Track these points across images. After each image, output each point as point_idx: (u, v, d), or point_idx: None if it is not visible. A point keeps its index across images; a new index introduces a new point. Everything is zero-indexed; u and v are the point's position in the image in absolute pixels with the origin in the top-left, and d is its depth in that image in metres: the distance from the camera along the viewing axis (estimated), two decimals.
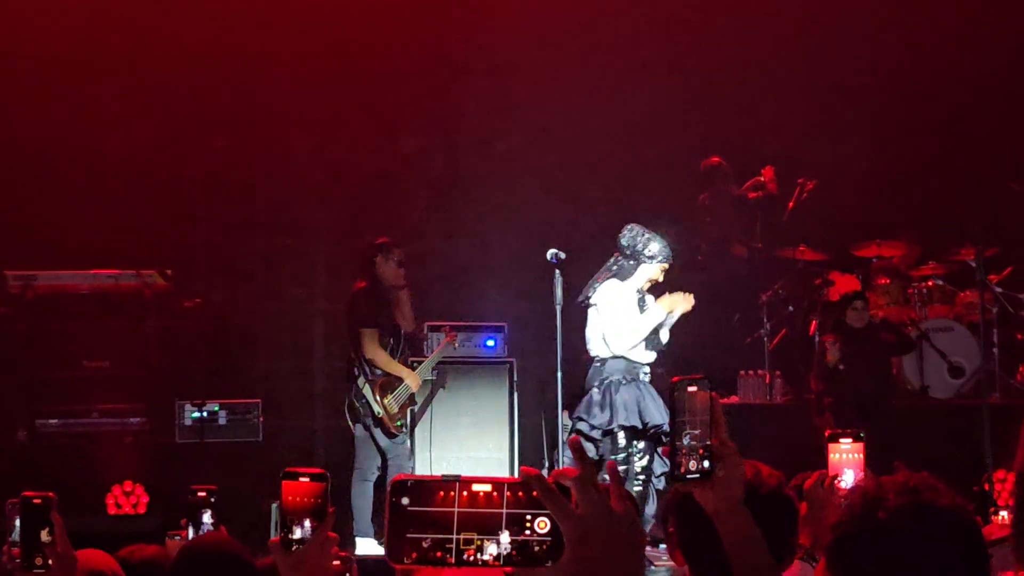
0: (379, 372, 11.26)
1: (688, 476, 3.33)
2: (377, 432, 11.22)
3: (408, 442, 11.55)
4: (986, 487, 10.63)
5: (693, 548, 4.21)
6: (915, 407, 13.17)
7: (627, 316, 10.46)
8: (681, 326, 13.99)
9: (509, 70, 14.68)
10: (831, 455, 4.70)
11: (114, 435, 12.57)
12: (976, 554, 3.13)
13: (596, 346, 10.57)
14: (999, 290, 13.88)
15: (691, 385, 3.30)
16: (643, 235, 10.41)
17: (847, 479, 4.64)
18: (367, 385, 11.19)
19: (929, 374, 13.42)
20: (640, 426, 10.22)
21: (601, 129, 14.58)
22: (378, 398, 11.16)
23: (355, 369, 11.29)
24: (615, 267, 10.50)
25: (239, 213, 14.23)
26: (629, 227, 10.45)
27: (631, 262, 10.46)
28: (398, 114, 14.81)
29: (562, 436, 10.82)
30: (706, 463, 3.33)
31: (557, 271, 10.12)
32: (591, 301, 10.54)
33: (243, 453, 12.40)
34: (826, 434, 4.84)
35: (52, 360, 12.76)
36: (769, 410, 13.25)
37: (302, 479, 3.69)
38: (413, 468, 11.53)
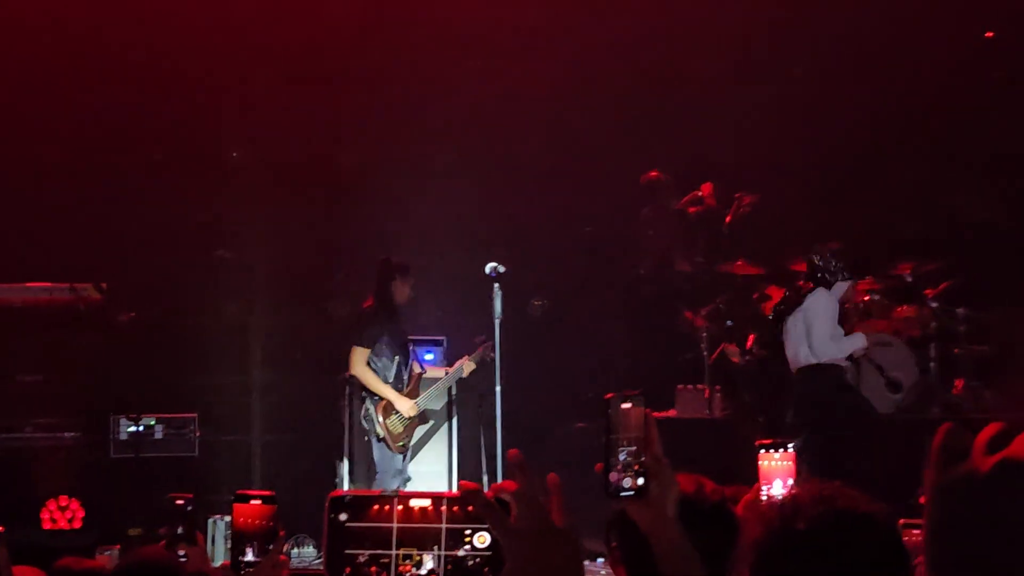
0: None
1: (622, 493, 3.30)
2: (373, 446, 11.29)
3: (402, 463, 11.50)
4: (923, 500, 10.62)
5: (634, 564, 4.17)
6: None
7: (833, 324, 11.19)
8: (621, 340, 14.06)
9: (446, 85, 14.66)
10: (761, 463, 4.70)
11: (48, 449, 12.43)
12: (897, 558, 3.11)
13: (804, 354, 11.15)
14: (935, 305, 13.94)
15: (625, 401, 3.27)
16: (834, 256, 10.64)
17: (776, 488, 4.64)
18: (372, 406, 11.26)
19: (867, 389, 13.44)
20: None
21: (540, 144, 14.56)
22: (380, 419, 11.22)
23: (362, 389, 11.36)
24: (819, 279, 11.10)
25: (175, 225, 14.09)
26: (820, 248, 10.60)
27: (830, 278, 11.10)
28: (336, 129, 14.73)
29: (501, 450, 10.80)
30: (640, 480, 3.30)
31: (496, 285, 10.08)
32: (801, 308, 11.13)
33: (179, 468, 12.29)
34: (756, 444, 4.85)
35: None
36: (708, 424, 13.25)
37: (253, 502, 3.64)
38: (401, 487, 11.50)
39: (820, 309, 11.28)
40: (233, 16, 14.29)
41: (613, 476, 3.26)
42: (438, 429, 12.38)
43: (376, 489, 11.14)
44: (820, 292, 11.33)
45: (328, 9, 14.52)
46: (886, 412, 13.37)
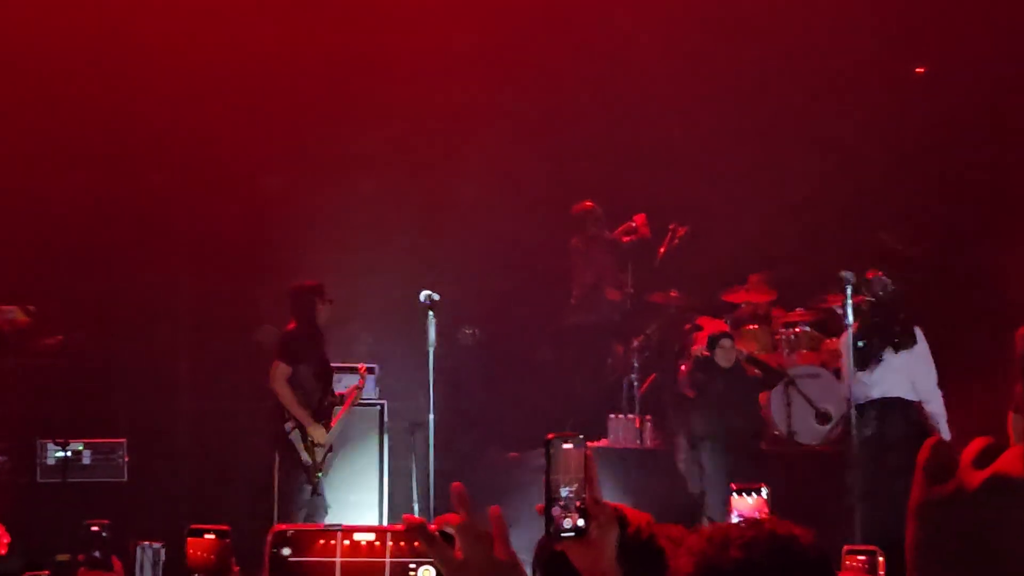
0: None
1: (562, 533, 3.32)
2: (285, 477, 11.18)
3: (311, 495, 11.38)
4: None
5: None
6: (782, 452, 13.27)
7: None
8: (553, 368, 14.06)
9: (376, 110, 14.65)
10: (734, 504, 4.71)
11: None
12: None
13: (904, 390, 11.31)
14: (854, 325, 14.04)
15: (566, 442, 3.29)
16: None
17: None
18: (296, 431, 11.14)
19: (796, 420, 13.53)
20: None
21: (473, 171, 14.57)
22: (308, 445, 11.13)
23: (285, 414, 11.23)
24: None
25: (102, 249, 13.98)
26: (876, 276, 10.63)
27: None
28: (260, 152, 14.66)
29: (433, 479, 10.76)
30: (580, 521, 3.31)
31: (430, 313, 10.03)
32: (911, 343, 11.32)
33: (108, 493, 12.16)
34: (732, 487, 4.85)
35: None
36: (640, 454, 13.29)
37: (207, 536, 3.62)
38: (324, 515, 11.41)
39: (927, 350, 11.55)
40: (157, 41, 14.21)
41: (555, 515, 3.28)
42: (367, 458, 12.33)
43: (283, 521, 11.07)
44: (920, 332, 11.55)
45: (257, 32, 14.46)
46: (815, 443, 13.47)
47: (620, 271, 14.59)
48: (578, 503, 3.31)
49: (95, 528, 5.37)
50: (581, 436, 3.29)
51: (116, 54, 14.08)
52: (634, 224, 14.60)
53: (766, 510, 4.34)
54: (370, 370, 12.77)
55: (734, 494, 4.33)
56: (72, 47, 14.09)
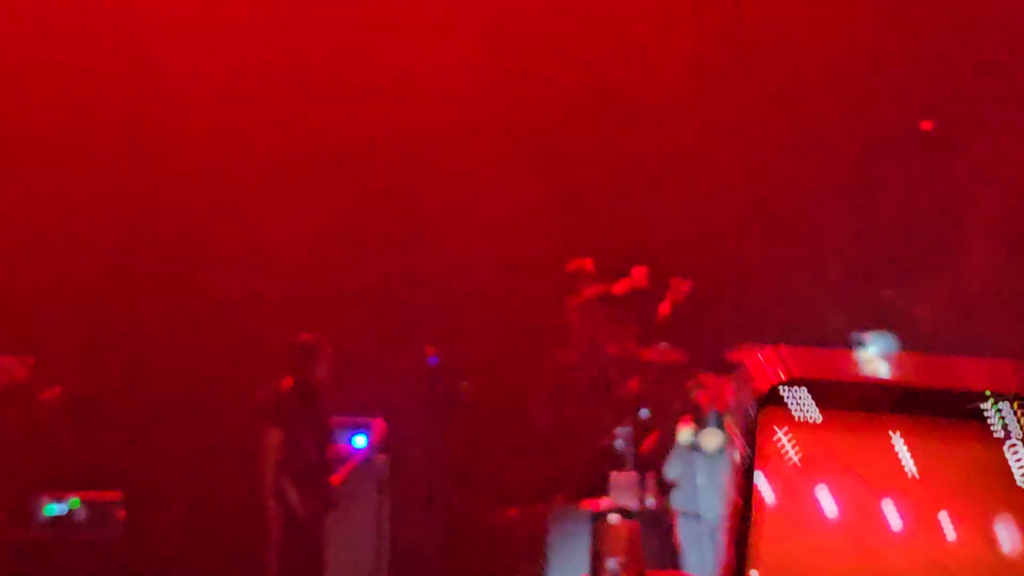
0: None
1: None
2: (286, 534, 11.08)
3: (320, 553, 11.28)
4: None
5: None
6: None
7: None
8: (553, 425, 13.98)
9: (381, 167, 14.67)
10: None
11: None
12: None
13: None
14: None
15: (612, 516, 3.21)
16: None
17: None
18: (293, 488, 11.04)
19: None
20: None
21: (475, 226, 14.56)
22: (302, 502, 11.04)
23: (282, 470, 11.11)
24: None
25: (100, 302, 13.95)
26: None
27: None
28: (265, 196, 14.64)
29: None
30: None
31: (433, 373, 9.95)
32: None
33: (102, 548, 12.08)
34: None
35: None
36: (641, 514, 13.17)
37: None
38: None
39: None
40: (181, 77, 14.26)
41: None
42: (365, 514, 12.26)
43: None
44: None
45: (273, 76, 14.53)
46: None
47: (619, 327, 14.49)
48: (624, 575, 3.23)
49: None
50: (627, 511, 3.21)
51: (143, 107, 14.11)
52: (634, 278, 14.53)
53: None
54: (368, 425, 12.68)
55: None
56: (101, 96, 14.17)
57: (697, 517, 12.00)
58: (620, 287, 14.56)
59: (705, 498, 12.04)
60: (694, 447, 12.30)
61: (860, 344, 10.76)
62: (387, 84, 14.73)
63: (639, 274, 14.59)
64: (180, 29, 14.35)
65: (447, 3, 15.00)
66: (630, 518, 2.69)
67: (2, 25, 14.11)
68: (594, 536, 2.62)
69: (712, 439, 12.41)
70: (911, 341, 12.00)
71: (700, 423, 12.55)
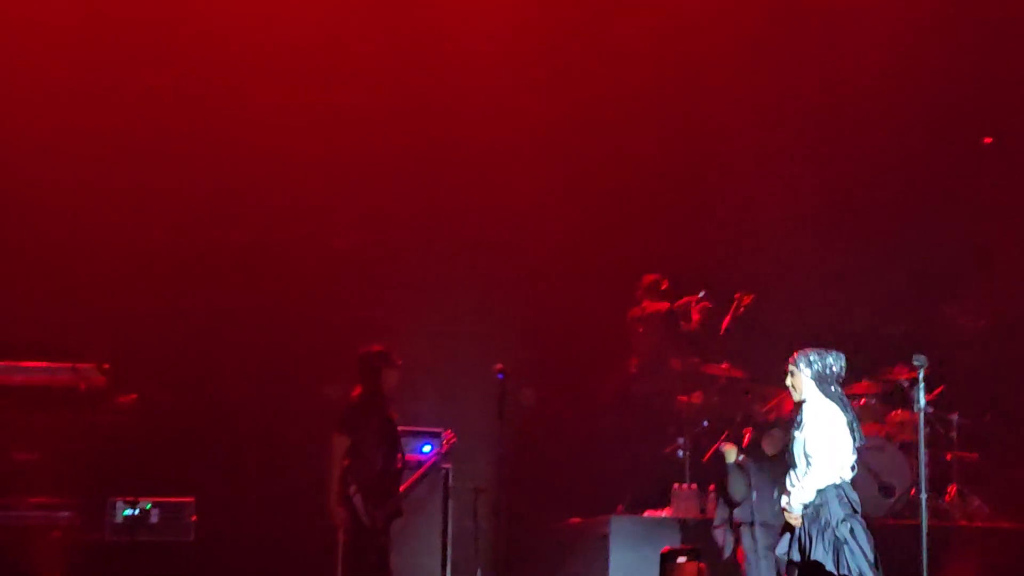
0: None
1: None
2: (352, 540, 11.20)
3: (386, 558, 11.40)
4: None
5: None
6: None
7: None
8: (616, 438, 14.06)
9: (448, 176, 14.78)
10: None
11: (42, 529, 12.40)
12: None
13: None
14: (930, 410, 14.01)
15: (681, 556, 3.39)
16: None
17: None
18: (358, 495, 11.16)
19: (859, 493, 13.46)
20: None
21: (543, 237, 14.67)
22: (368, 510, 11.16)
23: (348, 478, 11.25)
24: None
25: (176, 308, 14.13)
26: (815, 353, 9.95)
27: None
28: (336, 213, 14.79)
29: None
30: None
31: (501, 386, 10.06)
32: None
33: (174, 553, 12.27)
34: None
35: None
36: (703, 525, 13.25)
37: None
38: None
39: None
40: (234, 97, 14.43)
41: None
42: (432, 521, 12.36)
43: None
44: None
45: (337, 96, 14.67)
46: (878, 517, 13.42)
47: (683, 341, 14.57)
48: None
49: None
50: (695, 550, 3.38)
51: (196, 118, 14.28)
52: (699, 296, 14.63)
53: None
54: (435, 434, 12.80)
55: None
56: (158, 108, 14.35)
57: (764, 525, 12.04)
58: (684, 302, 14.65)
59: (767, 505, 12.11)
60: (742, 463, 12.35)
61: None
62: (462, 100, 14.84)
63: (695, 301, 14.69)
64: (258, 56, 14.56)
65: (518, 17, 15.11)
66: (697, 559, 2.77)
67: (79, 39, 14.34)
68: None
69: (774, 444, 12.49)
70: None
71: (761, 430, 12.61)
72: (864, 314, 14.88)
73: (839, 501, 9.33)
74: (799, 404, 9.50)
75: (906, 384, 13.70)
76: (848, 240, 15.25)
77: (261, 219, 14.54)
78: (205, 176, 14.36)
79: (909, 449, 13.37)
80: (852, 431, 9.39)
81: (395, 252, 14.84)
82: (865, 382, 14.33)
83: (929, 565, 11.71)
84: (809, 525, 9.26)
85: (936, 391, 14.18)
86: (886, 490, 13.51)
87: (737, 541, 12.23)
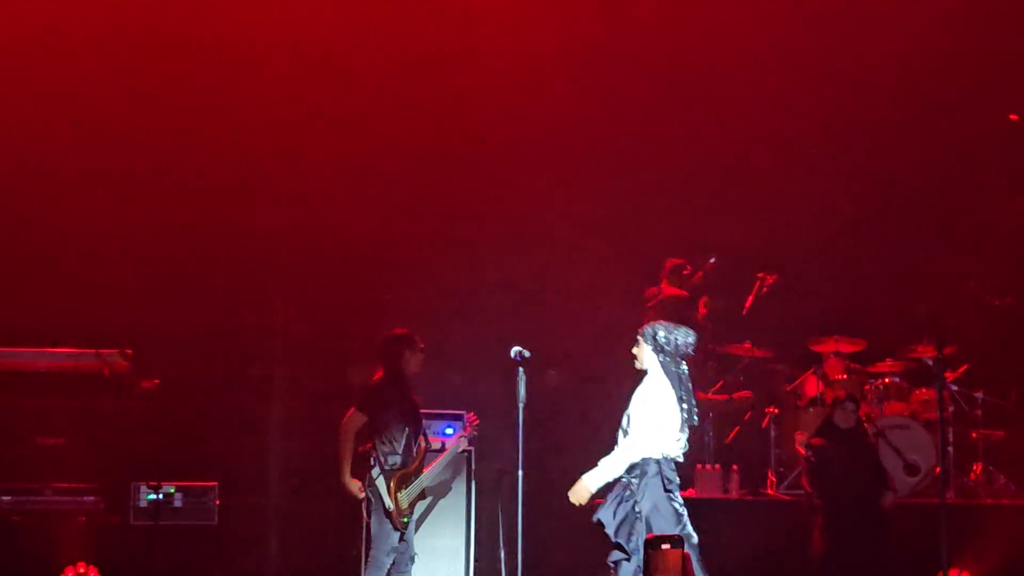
0: (397, 464, 11.28)
1: None
2: (372, 518, 11.21)
3: (399, 541, 11.40)
4: None
5: None
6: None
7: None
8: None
9: (474, 160, 14.76)
10: None
11: (67, 513, 12.47)
12: None
13: None
14: (955, 388, 13.99)
15: (664, 543, 3.36)
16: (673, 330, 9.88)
17: None
18: (380, 476, 11.20)
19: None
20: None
21: (563, 217, 14.65)
22: (391, 491, 11.18)
23: (371, 459, 11.29)
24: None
25: (199, 292, 14.16)
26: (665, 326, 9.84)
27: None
28: (361, 196, 14.78)
29: (522, 528, 10.78)
30: None
31: (520, 369, 10.00)
32: None
33: (198, 536, 12.33)
34: None
35: (6, 437, 12.69)
36: (725, 504, 13.27)
37: None
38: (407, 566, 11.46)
39: None
40: (260, 84, 14.41)
41: None
42: (456, 503, 12.37)
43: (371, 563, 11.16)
44: None
45: (351, 73, 14.66)
46: (902, 495, 13.41)
47: (705, 321, 14.52)
48: None
49: None
50: (679, 538, 3.35)
51: (220, 101, 14.28)
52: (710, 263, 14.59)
53: None
54: (457, 416, 12.81)
55: None
56: (174, 91, 14.33)
57: None
58: (705, 283, 14.58)
59: None
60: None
61: None
62: (483, 84, 14.81)
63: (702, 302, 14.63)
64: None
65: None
66: (681, 546, 2.75)
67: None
68: (646, 564, 2.69)
69: (846, 417, 12.56)
70: None
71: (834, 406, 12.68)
72: (888, 292, 14.83)
73: (656, 477, 9.21)
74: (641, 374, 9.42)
75: (930, 362, 13.64)
76: (872, 218, 15.19)
77: (284, 204, 14.53)
78: (227, 162, 14.35)
79: (934, 427, 13.32)
80: (682, 409, 9.18)
81: (418, 235, 14.81)
82: (889, 361, 14.30)
83: (955, 543, 11.80)
84: (621, 489, 9.15)
85: (961, 369, 14.16)
86: (911, 468, 13.49)
87: None
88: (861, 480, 12.33)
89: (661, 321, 9.48)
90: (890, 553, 12.26)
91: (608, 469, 9.18)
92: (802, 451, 12.57)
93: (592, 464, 13.30)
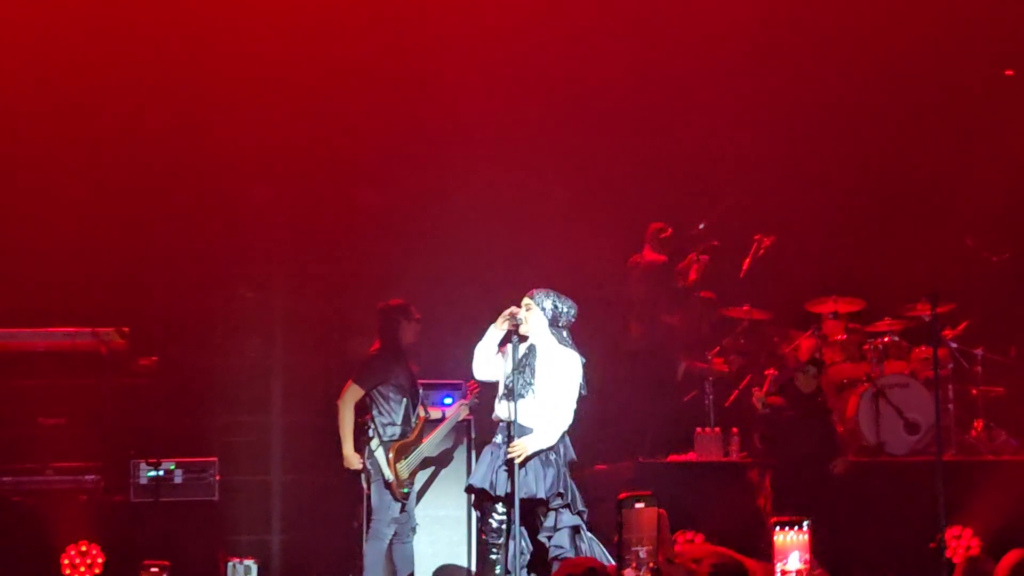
0: (395, 435, 11.28)
1: None
2: (372, 489, 11.23)
3: (399, 512, 11.41)
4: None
5: None
6: (870, 464, 13.20)
7: None
8: (628, 387, 14.00)
9: (471, 128, 14.71)
10: (776, 538, 4.73)
11: (68, 492, 12.50)
12: None
13: None
14: (954, 346, 13.96)
15: (638, 502, 3.33)
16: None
17: (792, 562, 4.68)
18: (380, 448, 11.21)
19: (885, 430, 13.46)
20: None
21: (560, 187, 14.61)
22: (390, 462, 11.19)
23: (369, 431, 11.31)
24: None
25: (196, 267, 14.14)
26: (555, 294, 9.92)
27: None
28: (357, 167, 14.75)
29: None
30: None
31: (515, 336, 9.94)
32: None
33: (198, 512, 12.35)
34: (771, 522, 4.88)
35: (5, 417, 12.70)
36: (724, 468, 13.26)
37: None
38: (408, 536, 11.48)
39: None
40: (252, 57, 14.34)
41: (627, 574, 3.32)
42: (458, 472, 12.38)
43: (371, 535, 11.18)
44: None
45: (354, 50, 14.58)
46: (903, 453, 13.40)
47: (674, 297, 14.41)
48: (651, 563, 3.33)
49: (154, 570, 5.49)
50: (653, 495, 3.32)
51: (211, 69, 14.21)
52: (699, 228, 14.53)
53: (808, 548, 4.34)
54: (456, 386, 12.79)
55: (776, 527, 4.33)
56: (167, 63, 14.27)
57: None
58: (686, 262, 14.48)
59: None
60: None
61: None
62: (480, 54, 14.79)
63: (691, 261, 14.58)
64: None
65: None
66: (656, 504, 2.76)
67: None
68: (619, 523, 2.69)
69: (808, 382, 12.56)
70: None
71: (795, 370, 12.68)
72: (886, 251, 14.78)
73: (566, 437, 9.42)
74: (520, 339, 9.44)
75: (929, 320, 13.59)
76: (868, 177, 15.16)
77: (281, 177, 14.49)
78: (223, 136, 14.29)
79: (932, 386, 13.30)
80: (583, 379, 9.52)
81: (415, 206, 14.77)
82: (888, 320, 14.26)
83: (957, 500, 11.81)
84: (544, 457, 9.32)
85: (961, 326, 14.13)
86: (911, 427, 13.47)
87: None
88: (811, 444, 12.34)
89: (549, 290, 9.58)
90: (884, 510, 12.34)
91: (547, 437, 9.32)
92: (758, 408, 12.57)
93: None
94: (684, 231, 14.50)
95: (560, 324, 9.54)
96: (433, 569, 12.16)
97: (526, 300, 9.61)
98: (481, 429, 12.58)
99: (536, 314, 9.55)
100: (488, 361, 9.73)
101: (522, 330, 9.47)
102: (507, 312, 9.53)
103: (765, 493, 12.20)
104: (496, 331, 9.66)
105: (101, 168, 14.08)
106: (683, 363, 14.13)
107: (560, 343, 9.50)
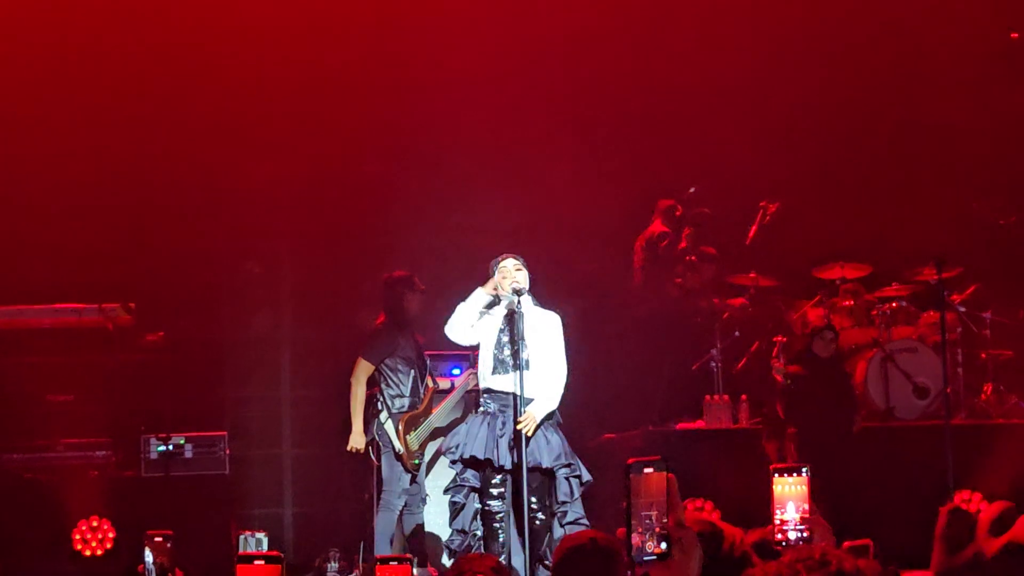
0: (404, 406, 11.29)
1: (645, 557, 3.32)
2: (383, 461, 11.25)
3: (410, 483, 11.42)
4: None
5: None
6: (880, 429, 13.20)
7: None
8: (637, 354, 13.97)
9: (478, 99, 14.69)
10: (775, 488, 4.71)
11: (79, 469, 12.52)
12: None
13: None
14: (962, 310, 13.93)
15: (647, 467, 3.29)
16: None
17: (789, 511, 4.66)
18: (389, 420, 11.22)
19: (894, 395, 13.45)
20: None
21: (562, 158, 14.56)
22: (400, 433, 11.19)
23: (378, 403, 11.32)
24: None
25: (202, 242, 14.12)
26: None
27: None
28: (362, 138, 14.72)
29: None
30: (663, 544, 3.32)
31: (518, 303, 9.92)
32: None
33: (209, 486, 12.37)
34: (771, 468, 4.85)
35: (15, 395, 12.70)
36: (733, 434, 13.25)
37: (256, 562, 3.67)
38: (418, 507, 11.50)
39: None
40: (254, 30, 14.31)
41: (636, 540, 3.29)
42: None
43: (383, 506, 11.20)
44: None
45: (351, 20, 14.55)
46: (912, 418, 13.39)
47: (658, 264, 14.34)
48: (659, 528, 3.30)
49: (159, 539, 5.48)
50: (663, 460, 3.30)
51: (217, 45, 14.18)
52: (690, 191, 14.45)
53: (807, 497, 4.33)
54: (464, 356, 12.77)
55: (775, 475, 4.32)
56: (173, 38, 14.25)
57: None
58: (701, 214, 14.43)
59: None
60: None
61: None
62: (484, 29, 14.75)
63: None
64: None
65: None
66: (666, 469, 2.76)
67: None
68: (627, 488, 2.70)
69: (827, 346, 12.58)
70: None
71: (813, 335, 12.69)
72: (893, 216, 14.75)
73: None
74: (514, 306, 9.53)
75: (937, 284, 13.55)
76: (874, 142, 15.12)
77: (285, 149, 14.46)
78: (231, 111, 14.27)
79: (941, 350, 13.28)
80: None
81: (421, 178, 14.75)
82: (895, 284, 14.23)
83: (967, 464, 11.81)
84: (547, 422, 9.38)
85: (969, 290, 14.10)
86: (920, 391, 13.45)
87: None
88: (835, 408, 12.37)
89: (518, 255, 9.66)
90: (893, 475, 12.35)
91: (552, 401, 9.59)
92: (779, 378, 12.59)
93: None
94: (677, 195, 14.44)
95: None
96: (444, 539, 12.19)
97: (512, 262, 9.60)
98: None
99: (525, 273, 9.61)
100: (472, 324, 9.75)
101: (517, 286, 9.52)
102: (511, 281, 9.54)
103: (792, 458, 12.21)
104: (484, 295, 9.68)
105: (106, 143, 14.05)
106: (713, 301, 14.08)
107: (535, 305, 9.58)
